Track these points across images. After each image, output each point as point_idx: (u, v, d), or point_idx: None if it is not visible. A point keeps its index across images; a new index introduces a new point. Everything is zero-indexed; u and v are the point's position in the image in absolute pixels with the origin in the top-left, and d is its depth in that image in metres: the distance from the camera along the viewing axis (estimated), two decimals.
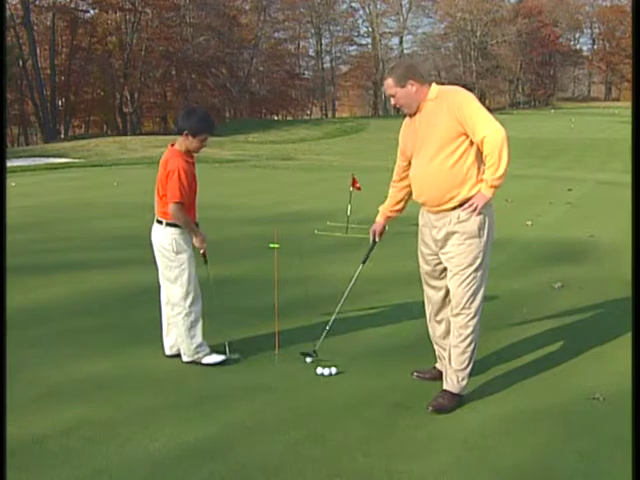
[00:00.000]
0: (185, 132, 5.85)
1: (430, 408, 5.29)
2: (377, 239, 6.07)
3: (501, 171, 5.06)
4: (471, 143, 5.18)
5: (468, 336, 5.33)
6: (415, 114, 5.40)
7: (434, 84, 5.36)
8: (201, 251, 6.14)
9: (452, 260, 5.33)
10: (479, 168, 5.23)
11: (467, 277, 5.27)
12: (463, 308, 5.30)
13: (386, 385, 5.72)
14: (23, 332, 6.76)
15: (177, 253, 5.94)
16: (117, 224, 13.42)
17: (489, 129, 5.07)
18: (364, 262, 6.33)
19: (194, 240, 6.02)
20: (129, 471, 4.34)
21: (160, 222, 5.98)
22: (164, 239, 5.95)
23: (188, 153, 5.96)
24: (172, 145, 6.00)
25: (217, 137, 51.86)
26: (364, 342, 6.78)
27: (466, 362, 5.38)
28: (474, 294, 5.30)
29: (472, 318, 5.31)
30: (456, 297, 5.34)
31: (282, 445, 4.70)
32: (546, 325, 7.30)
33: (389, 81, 5.33)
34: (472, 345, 5.36)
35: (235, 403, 5.38)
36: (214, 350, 6.18)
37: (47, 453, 4.53)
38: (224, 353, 6.20)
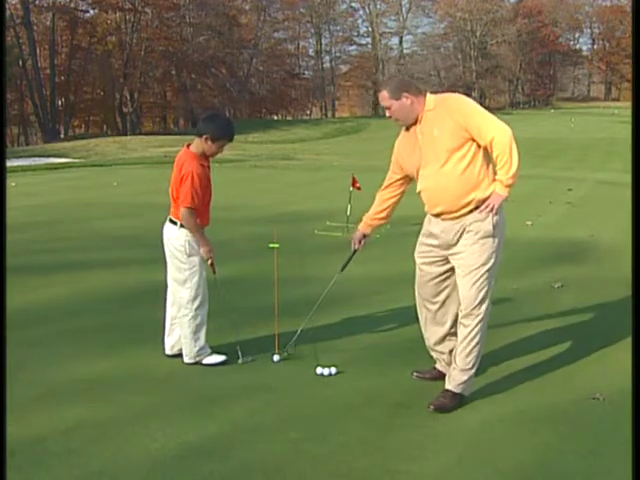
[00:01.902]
0: (205, 136, 5.85)
1: (431, 407, 5.29)
2: (357, 247, 6.07)
3: (514, 169, 5.10)
4: (478, 146, 5.18)
5: (476, 337, 5.31)
6: (412, 126, 5.39)
7: (429, 94, 5.36)
8: (208, 262, 6.10)
9: (464, 260, 5.29)
10: (490, 169, 5.25)
11: (480, 277, 5.25)
12: (474, 309, 5.28)
13: (386, 385, 5.72)
14: (23, 332, 6.75)
15: (189, 255, 5.94)
16: (117, 224, 13.42)
17: (495, 130, 5.09)
18: (342, 270, 6.30)
19: (201, 250, 5.98)
20: (129, 471, 4.34)
21: (174, 223, 5.97)
22: (177, 240, 5.94)
23: (204, 156, 5.96)
24: (188, 146, 5.99)
25: None
26: (364, 342, 6.78)
27: (472, 362, 5.36)
28: (485, 295, 5.28)
29: (481, 319, 5.30)
30: (467, 298, 5.30)
31: (282, 445, 4.70)
32: (546, 325, 7.31)
33: (384, 93, 5.33)
34: (479, 346, 5.34)
35: (235, 403, 5.38)
36: (214, 350, 6.18)
37: (47, 453, 4.53)
38: (237, 357, 6.19)
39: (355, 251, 6.08)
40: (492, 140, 5.07)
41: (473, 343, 5.32)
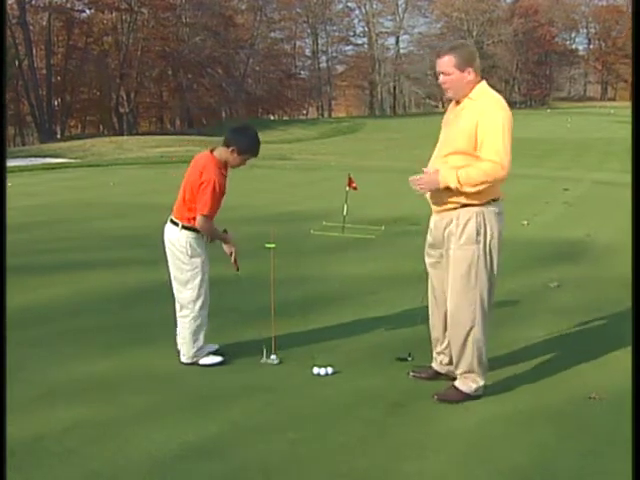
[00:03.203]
0: (232, 147, 5.88)
1: (435, 397, 5.37)
2: None
3: (465, 186, 5.05)
4: None
5: (468, 340, 5.31)
6: (457, 104, 5.32)
7: (484, 82, 5.24)
8: (232, 259, 6.17)
9: (451, 266, 5.30)
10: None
11: (463, 283, 5.24)
12: (460, 313, 5.30)
13: (384, 385, 5.74)
14: (23, 332, 6.77)
15: (191, 257, 5.96)
16: (116, 224, 13.43)
17: (501, 159, 5.00)
18: None
19: (224, 247, 6.12)
20: (128, 471, 4.37)
21: (176, 224, 5.99)
22: (178, 241, 5.96)
23: (225, 165, 5.99)
24: (211, 151, 6.01)
25: (213, 137, 51.81)
26: (361, 342, 6.80)
27: (469, 366, 5.37)
28: (471, 300, 5.25)
29: (470, 323, 5.28)
30: (452, 306, 5.33)
31: (281, 445, 4.72)
32: (543, 324, 7.32)
33: (450, 59, 5.13)
34: (473, 348, 5.32)
35: (234, 403, 5.40)
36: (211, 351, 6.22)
37: (47, 453, 4.55)
38: (261, 356, 6.20)
39: None
40: (485, 162, 5.01)
41: (468, 346, 5.33)
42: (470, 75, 5.15)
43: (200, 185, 5.81)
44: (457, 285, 5.28)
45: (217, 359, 6.16)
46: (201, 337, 6.10)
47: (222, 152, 5.95)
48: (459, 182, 5.06)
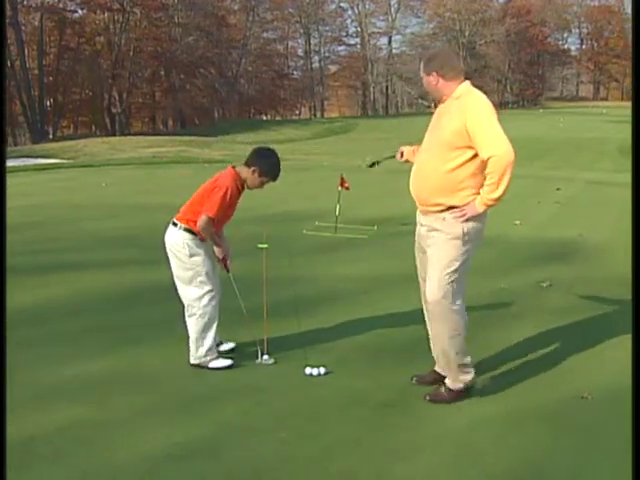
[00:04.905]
0: (254, 168, 5.96)
1: (427, 397, 5.39)
2: (397, 157, 5.96)
3: (497, 194, 5.02)
4: (475, 155, 5.09)
5: (447, 334, 5.31)
6: (442, 103, 5.36)
7: (467, 82, 5.27)
8: (222, 262, 6.24)
9: (431, 259, 5.31)
10: (476, 182, 5.15)
11: (443, 278, 5.23)
12: (439, 307, 5.28)
13: (376, 385, 5.75)
14: (21, 332, 6.75)
15: (191, 256, 5.97)
16: (111, 225, 13.42)
17: (498, 149, 4.95)
18: (371, 165, 6.44)
19: (215, 250, 6.15)
20: (125, 471, 4.38)
21: (175, 224, 6.02)
22: (176, 242, 5.98)
23: (242, 183, 6.05)
24: (233, 167, 6.07)
25: (205, 137, 51.79)
26: (353, 342, 6.80)
27: (453, 362, 5.37)
28: (448, 294, 5.24)
29: (448, 317, 5.28)
30: (430, 294, 5.31)
31: (273, 445, 4.73)
32: (534, 324, 7.33)
33: (421, 64, 5.35)
34: (454, 343, 5.32)
35: (226, 404, 5.41)
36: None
37: (44, 453, 4.56)
38: (254, 356, 6.21)
39: (393, 157, 6.06)
40: (490, 158, 4.95)
41: (450, 343, 5.33)
42: (435, 80, 5.26)
43: (213, 189, 5.89)
44: (436, 279, 5.25)
45: (227, 362, 6.12)
46: (209, 336, 6.06)
47: (243, 170, 6.03)
48: (490, 200, 5.09)
